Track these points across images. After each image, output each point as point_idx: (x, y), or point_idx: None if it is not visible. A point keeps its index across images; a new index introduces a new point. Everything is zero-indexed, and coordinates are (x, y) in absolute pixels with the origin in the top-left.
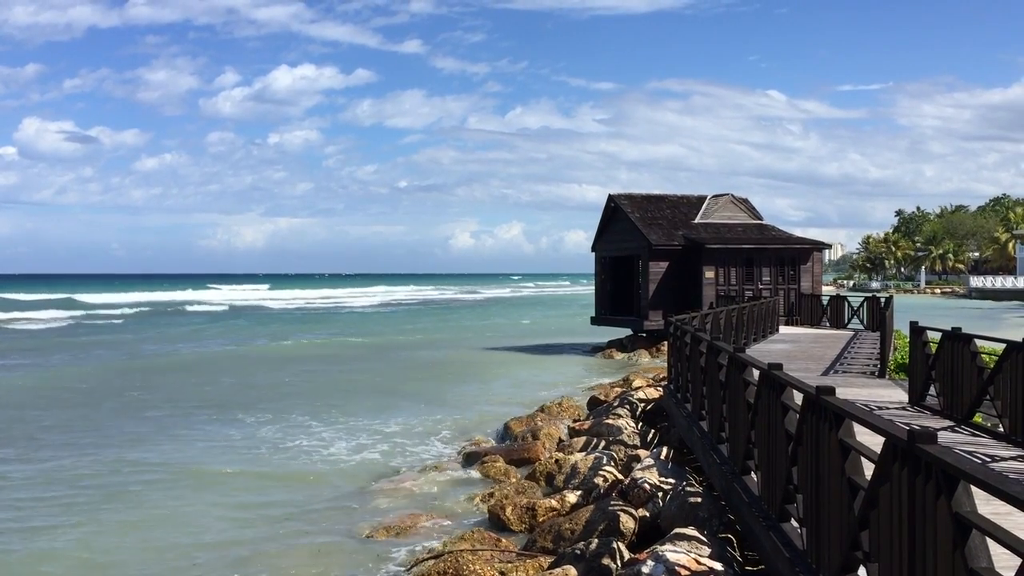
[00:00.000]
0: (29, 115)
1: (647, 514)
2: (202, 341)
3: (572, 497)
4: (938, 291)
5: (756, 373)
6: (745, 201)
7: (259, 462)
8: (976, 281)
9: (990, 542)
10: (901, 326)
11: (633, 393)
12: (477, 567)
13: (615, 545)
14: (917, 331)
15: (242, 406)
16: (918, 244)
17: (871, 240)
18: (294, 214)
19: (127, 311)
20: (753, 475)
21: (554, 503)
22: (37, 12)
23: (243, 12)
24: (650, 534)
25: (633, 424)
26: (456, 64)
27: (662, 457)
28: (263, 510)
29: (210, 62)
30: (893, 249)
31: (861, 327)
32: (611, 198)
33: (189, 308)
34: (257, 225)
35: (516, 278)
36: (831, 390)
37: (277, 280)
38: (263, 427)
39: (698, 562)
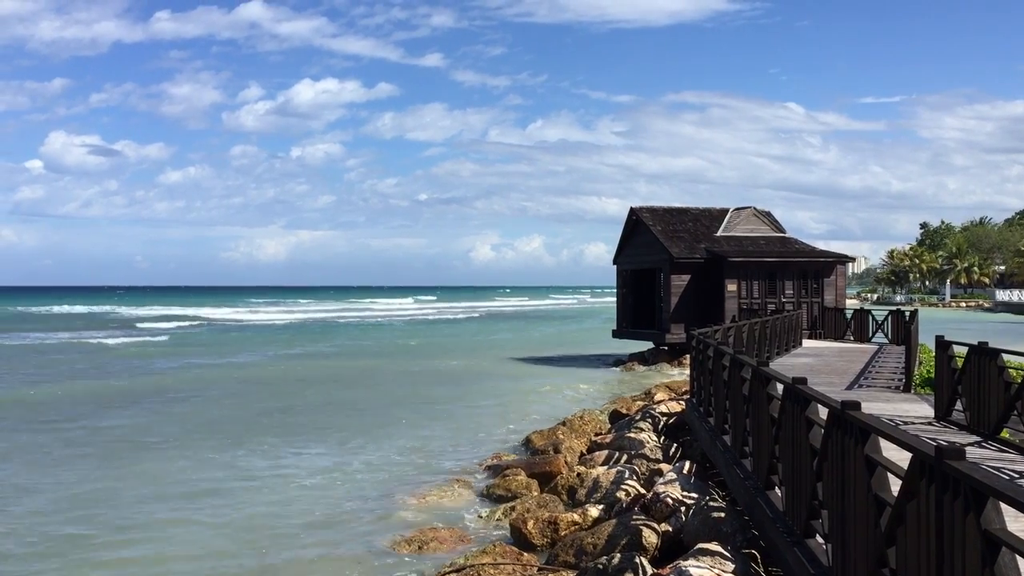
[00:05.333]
0: (55, 129)
1: (670, 529)
2: None
3: (594, 511)
4: (963, 305)
5: (780, 387)
6: (768, 214)
7: (274, 470)
8: (1002, 295)
9: (1020, 560)
10: (926, 340)
11: (655, 407)
12: None
13: (638, 560)
14: (943, 345)
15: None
16: (942, 257)
17: (895, 253)
18: (316, 227)
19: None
20: (777, 490)
21: (576, 517)
22: (63, 27)
23: (266, 27)
24: (673, 549)
25: (655, 438)
26: (477, 77)
27: (684, 471)
28: (284, 520)
29: (233, 76)
30: (917, 262)
31: (886, 341)
32: (633, 211)
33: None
34: (279, 238)
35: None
36: (856, 405)
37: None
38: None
39: None
